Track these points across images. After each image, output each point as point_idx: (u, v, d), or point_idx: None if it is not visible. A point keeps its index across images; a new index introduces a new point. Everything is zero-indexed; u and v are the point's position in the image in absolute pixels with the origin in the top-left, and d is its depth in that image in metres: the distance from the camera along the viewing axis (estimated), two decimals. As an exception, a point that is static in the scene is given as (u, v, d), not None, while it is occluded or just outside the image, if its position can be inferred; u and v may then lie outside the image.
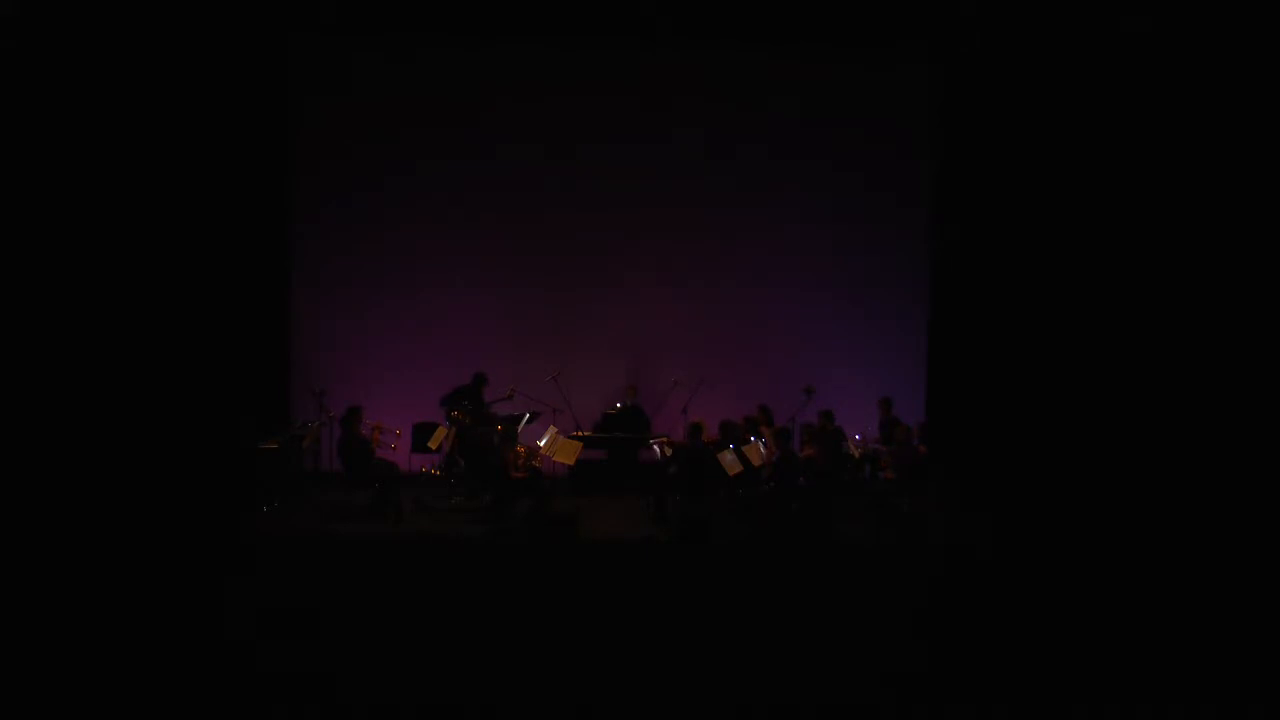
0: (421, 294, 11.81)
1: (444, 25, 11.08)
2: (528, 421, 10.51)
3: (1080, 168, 10.40)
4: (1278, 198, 9.50)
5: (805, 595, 7.13)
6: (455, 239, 11.84)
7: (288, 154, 11.45)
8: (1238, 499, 8.90)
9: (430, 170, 11.75)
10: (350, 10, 10.63)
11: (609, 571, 7.84)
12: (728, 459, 9.30)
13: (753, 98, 11.72)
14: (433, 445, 10.18)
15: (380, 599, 6.81)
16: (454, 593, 7.04)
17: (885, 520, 9.39)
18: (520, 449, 9.90)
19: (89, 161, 9.92)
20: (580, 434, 10.77)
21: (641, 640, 6.05)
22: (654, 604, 6.76)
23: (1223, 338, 9.63)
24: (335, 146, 11.63)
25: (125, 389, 9.88)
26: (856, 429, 10.63)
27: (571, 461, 9.78)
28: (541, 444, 9.84)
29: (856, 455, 10.31)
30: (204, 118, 10.53)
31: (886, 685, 5.46)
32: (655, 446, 10.32)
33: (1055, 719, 5.21)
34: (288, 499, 9.86)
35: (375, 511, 9.44)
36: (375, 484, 9.58)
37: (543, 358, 11.36)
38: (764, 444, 9.67)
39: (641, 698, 5.33)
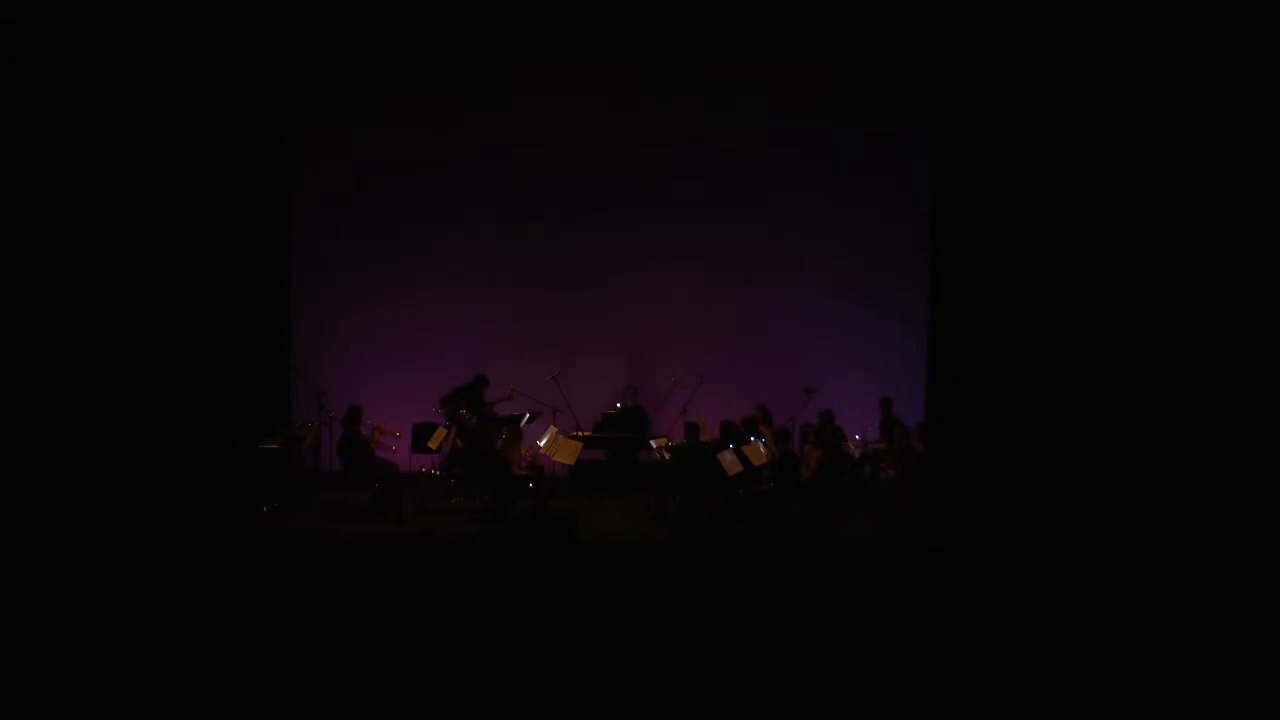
0: (421, 294, 11.81)
1: (444, 25, 11.09)
2: (528, 421, 10.52)
3: (1081, 167, 10.39)
4: (1277, 195, 9.49)
5: (805, 595, 7.12)
6: (455, 239, 11.84)
7: (288, 154, 11.45)
8: (1238, 497, 8.89)
9: (430, 170, 11.74)
10: (350, 10, 10.63)
11: (609, 571, 7.83)
12: (728, 459, 9.30)
13: (753, 98, 11.72)
14: (433, 445, 10.18)
15: (380, 599, 6.81)
16: (454, 593, 7.04)
17: (885, 520, 9.39)
18: (523, 449, 9.91)
19: (89, 161, 9.91)
20: (580, 434, 10.78)
21: (641, 640, 6.05)
22: (654, 604, 6.76)
23: (1223, 336, 9.62)
24: (335, 146, 11.63)
25: (126, 388, 9.88)
26: (856, 429, 10.65)
27: (571, 461, 9.79)
28: (541, 444, 9.85)
29: (856, 455, 10.32)
30: (204, 118, 10.53)
31: (886, 684, 5.45)
32: (654, 446, 10.32)
33: (1056, 719, 5.21)
34: (288, 499, 9.86)
35: (375, 511, 9.45)
36: (375, 484, 9.59)
37: (543, 358, 11.36)
38: (764, 444, 9.67)
39: (641, 698, 5.33)
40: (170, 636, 5.95)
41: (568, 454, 9.75)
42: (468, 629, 6.21)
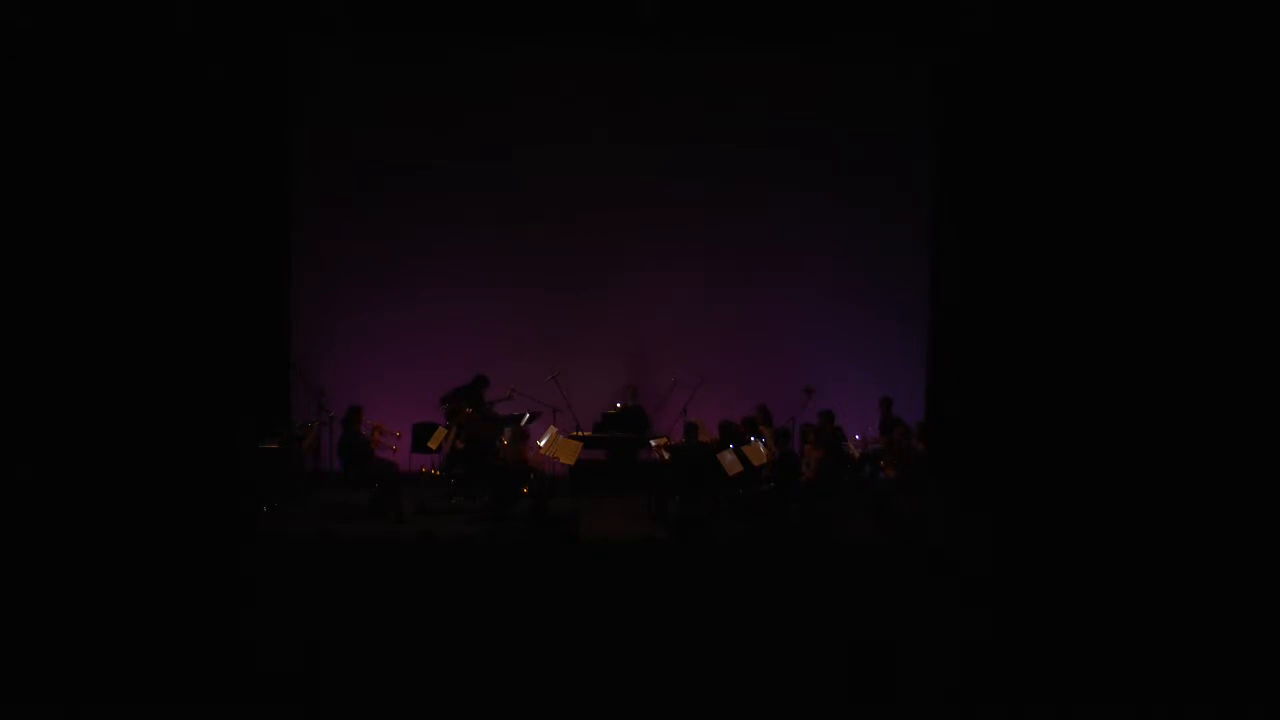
0: (421, 294, 11.81)
1: (444, 25, 11.08)
2: (528, 421, 10.53)
3: (1082, 167, 10.37)
4: (1278, 195, 9.49)
5: (805, 595, 7.12)
6: (455, 239, 11.84)
7: (288, 154, 11.45)
8: (1239, 492, 8.88)
9: (430, 170, 11.74)
10: (350, 10, 10.62)
11: (609, 571, 7.83)
12: (728, 459, 9.30)
13: (753, 97, 11.72)
14: (433, 445, 10.18)
15: (380, 599, 6.81)
16: (454, 593, 7.04)
17: (885, 520, 9.39)
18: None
19: (89, 162, 9.90)
20: (580, 434, 10.78)
21: (641, 640, 6.05)
22: (654, 604, 6.76)
23: (1224, 337, 9.62)
24: (335, 146, 11.63)
25: (127, 388, 9.87)
26: (856, 429, 10.65)
27: (571, 461, 9.79)
28: (541, 444, 9.85)
29: (856, 455, 10.32)
30: (204, 118, 10.51)
31: (885, 684, 5.45)
32: (654, 445, 10.32)
33: (1056, 719, 5.21)
34: (288, 499, 9.86)
35: (375, 511, 9.45)
36: (375, 484, 9.59)
37: (543, 358, 11.35)
38: (764, 444, 9.67)
39: (641, 698, 5.33)
40: (170, 636, 5.95)
41: (568, 454, 9.76)
42: (468, 629, 6.21)
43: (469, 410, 10.14)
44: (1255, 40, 9.32)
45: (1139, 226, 10.09)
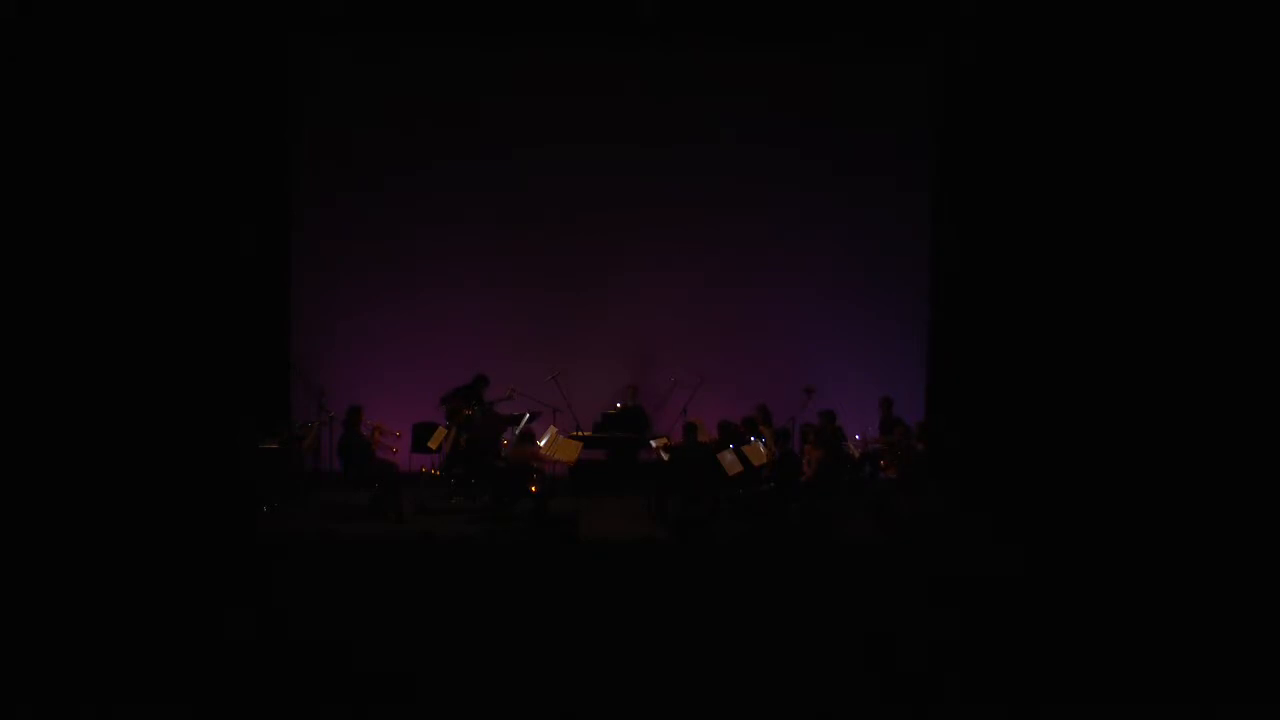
0: (421, 294, 11.81)
1: (444, 25, 11.09)
2: (528, 421, 10.53)
3: (1082, 167, 10.37)
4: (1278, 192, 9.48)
5: (805, 595, 7.12)
6: (455, 239, 11.84)
7: (288, 154, 11.45)
8: (1239, 492, 8.88)
9: (430, 170, 11.74)
10: (350, 10, 10.62)
11: (609, 571, 7.83)
12: (728, 459, 9.31)
13: (752, 97, 11.72)
14: (433, 445, 10.18)
15: (380, 599, 6.81)
16: (454, 593, 7.04)
17: (885, 520, 9.39)
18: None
19: (88, 162, 9.89)
20: (580, 434, 10.78)
21: (641, 640, 6.05)
22: (654, 604, 6.76)
23: (1225, 336, 9.61)
24: (335, 146, 11.63)
25: (126, 389, 9.87)
26: (856, 429, 10.65)
27: (572, 461, 9.79)
28: (541, 444, 9.85)
29: (856, 455, 10.32)
30: (204, 118, 10.50)
31: (885, 685, 5.46)
32: (654, 445, 10.32)
33: (1056, 719, 5.22)
34: (288, 499, 9.86)
35: (375, 511, 9.45)
36: (375, 484, 9.59)
37: (543, 358, 11.36)
38: (764, 444, 9.67)
39: (641, 698, 5.33)
40: (169, 637, 5.95)
41: (568, 454, 9.75)
42: (467, 629, 6.21)
43: (469, 410, 10.13)
44: (1255, 37, 9.32)
45: (1139, 226, 10.09)
